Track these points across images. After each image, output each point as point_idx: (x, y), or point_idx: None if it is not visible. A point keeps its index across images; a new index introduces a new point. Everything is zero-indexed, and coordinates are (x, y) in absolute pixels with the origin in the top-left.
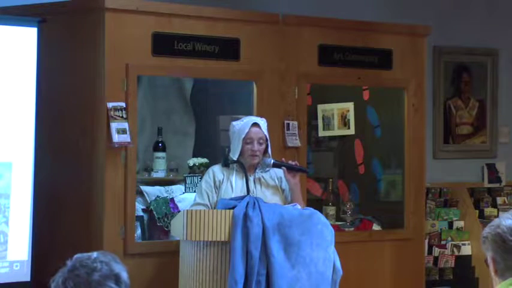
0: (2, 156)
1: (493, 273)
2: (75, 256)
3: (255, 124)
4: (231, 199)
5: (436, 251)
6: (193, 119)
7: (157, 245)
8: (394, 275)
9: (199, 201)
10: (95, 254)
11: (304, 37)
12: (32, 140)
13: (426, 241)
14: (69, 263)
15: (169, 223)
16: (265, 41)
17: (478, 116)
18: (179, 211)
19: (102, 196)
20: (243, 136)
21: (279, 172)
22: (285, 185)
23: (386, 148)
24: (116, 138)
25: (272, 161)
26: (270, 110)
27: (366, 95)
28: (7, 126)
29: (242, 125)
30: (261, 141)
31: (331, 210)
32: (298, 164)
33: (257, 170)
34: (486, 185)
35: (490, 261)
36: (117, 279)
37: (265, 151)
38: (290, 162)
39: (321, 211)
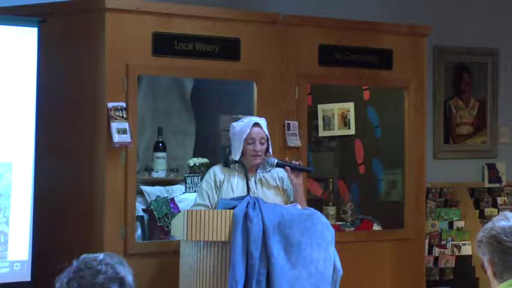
0: (2, 156)
1: (491, 277)
2: (82, 256)
3: (256, 124)
4: (232, 199)
5: (437, 251)
6: (193, 119)
7: (158, 245)
8: (394, 275)
9: (199, 202)
10: (101, 256)
11: (304, 37)
12: (32, 140)
13: (426, 241)
14: (75, 263)
15: (169, 223)
16: (265, 41)
17: (478, 116)
18: (179, 211)
19: (102, 196)
20: (245, 137)
21: (281, 172)
22: (286, 185)
23: (386, 148)
24: (116, 138)
25: (276, 160)
26: (270, 110)
27: (366, 95)
28: (7, 127)
29: (243, 125)
30: (263, 141)
31: (332, 210)
32: (301, 164)
33: (258, 170)
34: (486, 185)
35: (487, 264)
36: (121, 282)
37: (267, 151)
38: (293, 162)
39: (321, 211)
